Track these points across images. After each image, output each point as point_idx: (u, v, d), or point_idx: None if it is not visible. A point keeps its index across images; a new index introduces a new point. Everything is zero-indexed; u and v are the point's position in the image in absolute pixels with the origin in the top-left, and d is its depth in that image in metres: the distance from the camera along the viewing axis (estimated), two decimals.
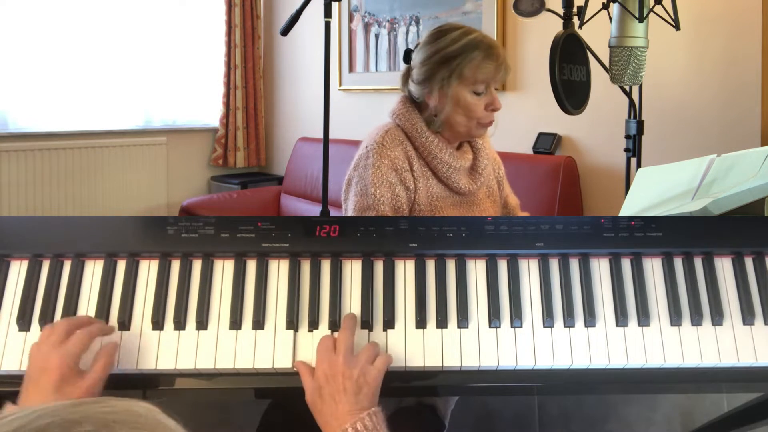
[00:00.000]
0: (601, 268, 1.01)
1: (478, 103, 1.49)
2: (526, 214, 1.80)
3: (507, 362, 0.95)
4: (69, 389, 0.84)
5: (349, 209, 1.51)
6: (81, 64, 3.90)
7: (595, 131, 2.96)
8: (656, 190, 1.25)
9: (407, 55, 1.57)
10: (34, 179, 3.78)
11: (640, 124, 2.14)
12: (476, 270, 1.01)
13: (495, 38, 3.18)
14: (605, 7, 1.89)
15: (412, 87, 1.55)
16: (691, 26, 2.53)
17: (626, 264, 1.02)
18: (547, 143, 3.09)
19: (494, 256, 1.01)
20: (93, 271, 0.99)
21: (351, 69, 4.04)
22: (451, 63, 1.46)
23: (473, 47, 1.46)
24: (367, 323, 0.97)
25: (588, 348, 0.96)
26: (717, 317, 0.98)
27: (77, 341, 0.88)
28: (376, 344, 0.95)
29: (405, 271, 1.00)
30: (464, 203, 1.57)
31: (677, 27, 1.89)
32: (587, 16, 1.90)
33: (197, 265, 1.00)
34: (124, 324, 0.96)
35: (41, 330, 0.95)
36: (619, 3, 1.79)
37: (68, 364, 0.86)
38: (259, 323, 0.96)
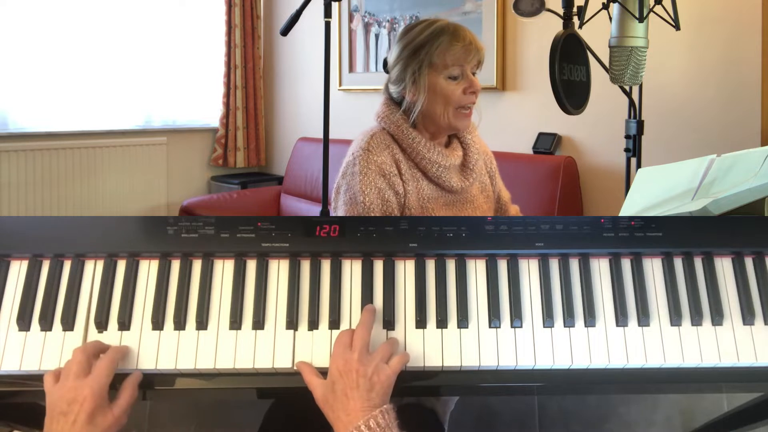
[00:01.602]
0: (601, 268, 1.02)
1: (454, 88, 1.47)
2: (516, 207, 1.79)
3: (507, 362, 0.95)
4: (101, 419, 0.85)
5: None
6: (81, 64, 3.90)
7: (595, 131, 2.96)
8: (656, 190, 1.24)
9: (386, 64, 1.57)
10: (34, 179, 3.78)
11: (640, 124, 2.14)
12: (476, 270, 1.01)
13: (495, 38, 3.18)
14: (605, 7, 1.89)
15: (391, 89, 1.54)
16: (691, 26, 2.53)
17: (626, 264, 1.02)
18: (547, 143, 3.09)
19: (494, 256, 1.01)
20: (93, 271, 0.99)
21: (351, 69, 4.04)
22: (420, 53, 1.46)
23: (439, 33, 1.46)
24: None
25: (588, 348, 0.96)
26: (717, 317, 0.98)
27: (104, 370, 0.88)
28: (395, 342, 0.95)
29: (405, 271, 1.00)
30: (457, 202, 1.56)
31: (677, 27, 1.89)
32: (587, 16, 1.90)
33: (197, 265, 1.00)
34: (124, 324, 0.96)
35: (41, 330, 0.95)
36: (619, 3, 1.79)
37: (100, 395, 0.86)
38: (259, 323, 0.96)
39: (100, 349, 0.93)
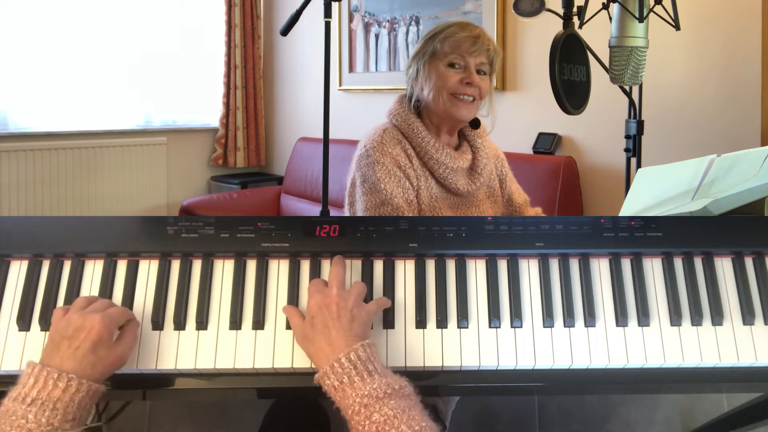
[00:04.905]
0: (601, 268, 1.01)
1: (452, 75, 1.47)
2: (538, 209, 1.78)
3: (507, 362, 0.95)
4: (104, 352, 0.85)
5: (359, 210, 1.48)
6: (81, 64, 3.90)
7: (595, 131, 2.96)
8: (656, 190, 1.24)
9: None
10: (34, 179, 3.78)
11: (640, 124, 2.14)
12: (476, 270, 1.01)
13: (495, 38, 3.18)
14: (605, 7, 1.88)
15: (405, 81, 1.58)
16: (691, 26, 2.53)
17: (626, 264, 1.02)
18: (547, 143, 3.09)
19: (494, 256, 1.01)
20: (93, 271, 0.99)
21: (351, 69, 4.04)
22: (428, 44, 1.51)
23: (450, 25, 1.51)
24: None
25: (588, 348, 0.96)
26: (717, 317, 0.98)
27: (117, 311, 0.90)
28: (364, 285, 0.95)
29: (405, 271, 1.00)
30: (462, 204, 1.56)
31: (677, 27, 1.89)
32: (587, 16, 1.90)
33: (197, 265, 1.00)
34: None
35: (41, 330, 0.95)
36: (619, 3, 1.79)
37: (109, 328, 0.87)
38: (259, 323, 0.96)
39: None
